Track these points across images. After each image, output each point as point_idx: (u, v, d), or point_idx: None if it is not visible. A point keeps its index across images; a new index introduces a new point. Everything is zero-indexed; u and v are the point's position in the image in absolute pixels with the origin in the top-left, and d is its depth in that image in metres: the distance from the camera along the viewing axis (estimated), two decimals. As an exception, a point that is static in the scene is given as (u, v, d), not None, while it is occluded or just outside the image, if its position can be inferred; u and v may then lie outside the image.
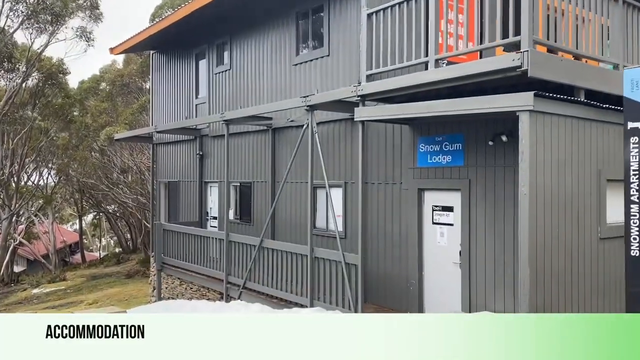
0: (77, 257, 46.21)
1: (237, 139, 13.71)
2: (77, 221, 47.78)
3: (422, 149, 8.86)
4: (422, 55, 7.64)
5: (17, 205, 23.43)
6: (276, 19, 12.32)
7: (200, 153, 15.31)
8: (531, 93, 5.86)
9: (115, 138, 17.48)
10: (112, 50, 17.57)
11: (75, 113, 31.83)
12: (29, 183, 31.35)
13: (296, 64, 11.73)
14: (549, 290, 6.20)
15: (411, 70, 8.16)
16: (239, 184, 13.75)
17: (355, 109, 8.21)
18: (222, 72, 14.36)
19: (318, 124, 9.44)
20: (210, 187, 15.26)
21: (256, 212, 13.13)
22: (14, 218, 30.60)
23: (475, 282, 7.95)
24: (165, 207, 17.45)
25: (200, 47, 15.33)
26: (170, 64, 17.09)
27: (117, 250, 56.00)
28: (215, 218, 14.95)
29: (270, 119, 12.28)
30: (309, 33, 11.50)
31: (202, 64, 15.48)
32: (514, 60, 6.07)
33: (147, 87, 31.35)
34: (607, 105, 7.00)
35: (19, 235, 34.76)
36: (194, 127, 15.45)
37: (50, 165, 32.26)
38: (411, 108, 7.18)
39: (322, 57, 10.95)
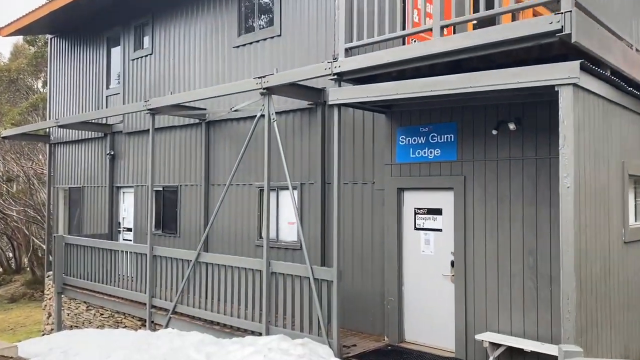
0: (-53, 280, 40.01)
1: (159, 135, 11.64)
2: (-53, 239, 41.41)
3: (402, 142, 7.53)
4: (409, 26, 6.39)
5: None
6: (212, -6, 10.56)
7: (112, 153, 12.96)
8: (577, 62, 4.72)
9: (2, 136, 14.49)
10: (0, 30, 14.66)
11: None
12: None
13: (238, 46, 10.03)
14: (590, 306, 5.06)
15: (396, 45, 6.85)
16: (161, 189, 11.63)
17: (330, 90, 6.70)
18: (142, 57, 12.23)
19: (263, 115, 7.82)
20: (124, 192, 12.93)
21: (184, 222, 11.11)
22: None
23: (473, 297, 6.70)
24: (64, 218, 14.71)
25: (114, 30, 13.06)
26: (74, 50, 14.54)
27: (-4, 271, 49.50)
28: (129, 230, 12.65)
29: (204, 109, 10.43)
30: (255, 9, 9.86)
31: (116, 50, 13.22)
32: (551, 23, 4.91)
33: (39, 85, 27.68)
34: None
35: None
36: (104, 121, 13.10)
37: None
38: (413, 86, 5.80)
39: (273, 37, 9.36)
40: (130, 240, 12.38)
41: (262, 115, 7.81)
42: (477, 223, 6.70)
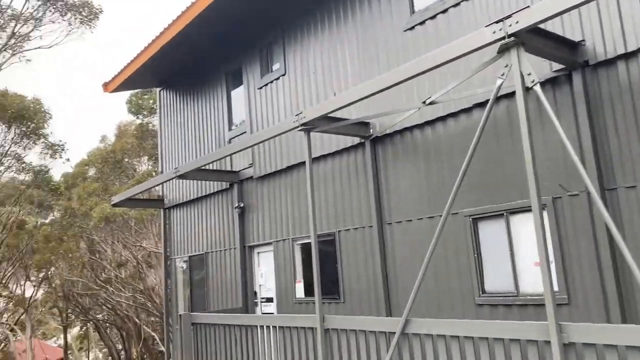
0: (62, 377, 39.39)
1: (301, 171, 9.01)
2: (62, 335, 41.19)
3: None
4: None
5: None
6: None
7: (241, 205, 10.45)
8: None
9: (113, 203, 12.60)
10: (105, 86, 13.20)
11: (60, 202, 27.01)
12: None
13: (413, 27, 7.34)
14: None
15: None
16: (308, 240, 8.80)
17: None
18: (271, 82, 9.92)
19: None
20: (259, 253, 10.25)
21: (348, 280, 8.10)
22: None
23: None
24: (185, 295, 12.23)
25: (232, 62, 11.00)
26: (185, 97, 12.69)
27: (107, 364, 48.67)
28: (269, 300, 9.81)
29: (367, 124, 7.70)
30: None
31: (235, 84, 11.11)
32: None
33: (142, 168, 26.92)
34: None
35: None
36: (229, 168, 10.77)
37: (29, 264, 26.74)
38: None
39: (471, -4, 6.57)
40: (273, 313, 9.51)
41: (500, 97, 4.82)
42: None
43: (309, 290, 8.81)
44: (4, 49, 10.40)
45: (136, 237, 24.81)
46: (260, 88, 10.16)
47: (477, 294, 6.37)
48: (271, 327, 7.47)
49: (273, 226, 9.75)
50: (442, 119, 6.85)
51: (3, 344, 30.74)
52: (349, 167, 8.24)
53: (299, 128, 7.02)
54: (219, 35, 10.86)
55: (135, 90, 21.43)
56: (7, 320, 29.33)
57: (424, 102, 6.43)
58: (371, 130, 7.74)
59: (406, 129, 7.31)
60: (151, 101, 22.61)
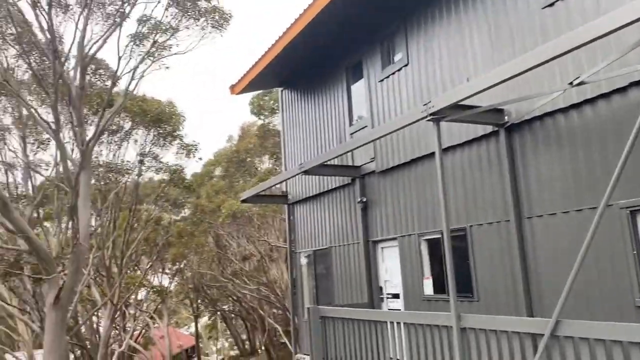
0: (194, 362, 42.46)
1: (427, 163, 8.70)
2: (193, 323, 44.36)
3: None
4: None
5: (120, 298, 19.61)
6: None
7: (364, 200, 10.38)
8: None
9: (242, 199, 13.20)
10: (232, 89, 13.85)
11: (189, 200, 28.97)
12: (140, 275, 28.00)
13: (552, 3, 6.74)
14: None
15: None
16: (438, 235, 8.48)
17: None
18: (392, 74, 9.72)
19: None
20: (382, 248, 10.11)
21: (481, 278, 7.67)
22: (128, 320, 27.20)
23: None
24: (310, 288, 12.45)
25: (353, 55, 10.96)
26: (305, 95, 12.90)
27: (232, 353, 51.52)
28: (396, 296, 9.63)
29: (500, 111, 7.22)
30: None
31: (356, 77, 11.05)
32: None
33: (263, 167, 27.97)
34: None
35: (134, 340, 31.28)
36: (350, 163, 10.75)
37: (164, 257, 29.04)
38: None
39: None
40: (400, 310, 9.32)
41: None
42: None
43: (438, 287, 8.49)
44: (146, 57, 11.30)
45: (259, 232, 25.89)
46: (382, 80, 10.00)
47: (637, 295, 5.67)
48: (402, 323, 7.29)
49: (397, 221, 9.54)
50: (590, 101, 6.19)
51: (144, 331, 33.73)
52: (480, 158, 7.79)
53: (428, 118, 6.73)
54: (338, 31, 10.87)
55: (257, 92, 22.31)
56: (147, 308, 32.10)
57: (571, 84, 5.84)
58: (506, 118, 7.24)
59: (547, 114, 6.72)
60: (271, 102, 23.41)
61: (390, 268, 9.83)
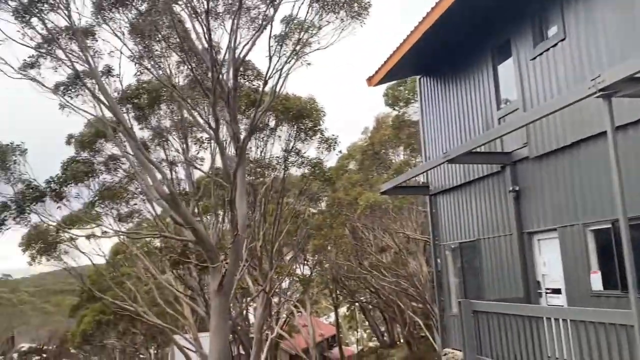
0: (335, 351, 43.63)
1: (600, 143, 7.88)
2: (333, 313, 45.59)
3: None
4: None
5: (272, 287, 20.74)
6: None
7: (516, 189, 9.74)
8: None
9: (381, 191, 13.19)
10: (369, 80, 13.83)
11: (326, 193, 29.71)
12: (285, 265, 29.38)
13: None
14: None
15: None
16: (609, 225, 7.64)
17: None
18: (546, 50, 8.96)
19: None
20: (539, 240, 9.41)
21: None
22: (274, 308, 28.69)
23: None
24: (457, 282, 12.04)
25: (498, 35, 10.32)
26: (446, 81, 12.45)
27: (371, 344, 52.03)
28: (557, 291, 8.91)
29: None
30: None
31: (503, 58, 10.39)
32: None
33: (398, 159, 27.68)
34: None
35: (280, 328, 33.00)
36: (499, 149, 10.15)
37: (305, 249, 30.13)
38: None
39: None
40: (562, 306, 8.59)
41: None
42: None
43: (609, 282, 7.66)
44: (292, 56, 11.74)
45: (395, 224, 25.70)
46: (534, 59, 9.27)
47: None
48: (569, 321, 6.70)
49: (557, 210, 8.80)
50: None
51: (289, 319, 35.37)
52: (659, 137, 6.87)
53: (597, 94, 6.08)
54: (482, 10, 10.28)
55: (391, 83, 22.09)
56: (291, 297, 33.59)
57: None
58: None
59: None
60: (406, 92, 23.04)
61: (548, 261, 9.11)
